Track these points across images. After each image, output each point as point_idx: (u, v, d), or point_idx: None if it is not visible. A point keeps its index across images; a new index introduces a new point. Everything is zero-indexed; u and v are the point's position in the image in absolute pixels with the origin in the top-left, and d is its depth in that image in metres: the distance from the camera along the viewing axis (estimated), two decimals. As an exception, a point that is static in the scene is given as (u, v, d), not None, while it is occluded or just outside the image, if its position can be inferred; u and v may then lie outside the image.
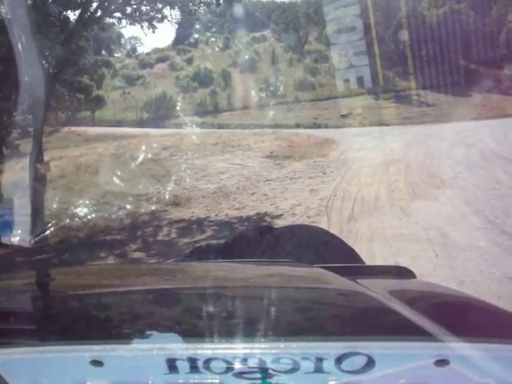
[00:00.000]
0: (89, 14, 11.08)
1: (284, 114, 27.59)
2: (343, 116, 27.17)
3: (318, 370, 0.90)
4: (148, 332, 1.15)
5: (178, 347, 1.01)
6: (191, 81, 36.27)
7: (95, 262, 7.72)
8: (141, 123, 29.74)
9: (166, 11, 12.84)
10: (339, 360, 0.90)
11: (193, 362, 0.92)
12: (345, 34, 12.01)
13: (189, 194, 12.20)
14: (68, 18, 11.76)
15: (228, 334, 1.10)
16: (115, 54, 46.17)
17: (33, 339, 1.08)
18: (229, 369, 0.90)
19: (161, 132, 23.51)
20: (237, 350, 0.99)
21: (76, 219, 9.83)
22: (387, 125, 23.68)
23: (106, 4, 11.37)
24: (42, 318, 1.26)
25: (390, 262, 6.03)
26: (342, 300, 1.43)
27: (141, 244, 8.86)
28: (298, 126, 26.14)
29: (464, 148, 15.49)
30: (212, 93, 33.82)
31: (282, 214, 9.61)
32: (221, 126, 27.29)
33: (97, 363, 0.92)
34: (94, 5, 11.21)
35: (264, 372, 0.88)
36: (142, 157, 15.71)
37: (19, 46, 8.07)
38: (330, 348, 0.98)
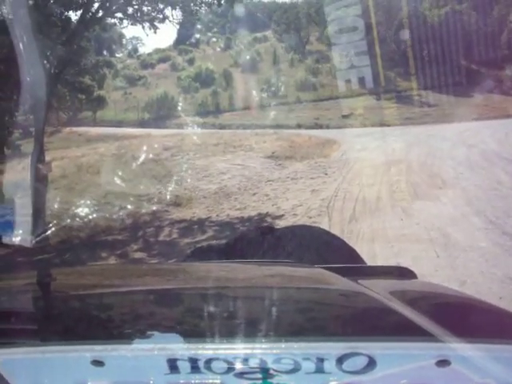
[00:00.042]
0: (90, 14, 11.09)
1: (285, 115, 27.59)
2: (344, 116, 27.18)
3: (319, 370, 0.90)
4: (149, 332, 1.15)
5: (179, 347, 1.01)
6: (192, 81, 36.29)
7: (96, 262, 7.72)
8: (142, 123, 29.76)
9: (168, 11, 12.85)
10: (340, 360, 0.90)
11: (194, 362, 0.92)
12: (346, 34, 12.01)
13: (190, 194, 12.20)
14: (69, 19, 11.78)
15: (229, 334, 1.10)
16: (117, 55, 46.21)
17: (34, 339, 1.08)
18: (230, 369, 0.90)
19: (162, 132, 23.51)
20: (238, 350, 0.99)
21: (77, 219, 9.83)
22: (389, 125, 23.70)
23: (108, 4, 11.38)
24: (44, 318, 1.26)
25: (392, 262, 6.03)
26: (343, 300, 1.43)
27: (142, 244, 8.86)
28: (299, 126, 26.15)
29: (465, 148, 15.49)
30: (213, 93, 33.84)
31: (283, 215, 9.61)
32: (222, 127, 27.30)
33: (98, 363, 0.92)
34: (96, 5, 11.24)
35: (265, 372, 0.88)
36: (143, 157, 15.71)
37: (21, 46, 8.08)
38: (331, 348, 0.98)
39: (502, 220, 7.75)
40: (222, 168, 14.86)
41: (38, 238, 7.83)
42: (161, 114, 31.25)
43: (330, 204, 9.98)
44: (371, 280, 1.57)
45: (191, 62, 41.07)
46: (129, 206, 10.83)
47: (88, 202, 10.77)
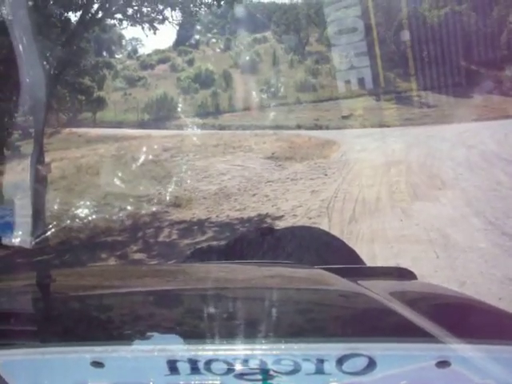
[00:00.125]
0: (90, 15, 11.09)
1: (285, 116, 27.60)
2: (344, 117, 27.20)
3: (319, 371, 0.90)
4: (149, 333, 1.15)
5: (179, 348, 1.01)
6: (192, 82, 36.29)
7: (96, 263, 7.72)
8: (142, 124, 29.78)
9: (167, 12, 12.85)
10: (340, 361, 0.90)
11: (194, 364, 0.92)
12: (346, 35, 12.02)
13: (190, 195, 12.20)
14: (69, 20, 11.77)
15: (229, 335, 1.10)
16: (116, 56, 46.24)
17: (34, 340, 1.08)
18: (230, 370, 0.90)
19: (162, 133, 23.52)
20: (238, 351, 0.99)
21: (77, 220, 9.82)
22: (388, 126, 23.73)
23: (107, 5, 11.38)
24: (43, 319, 1.26)
25: (391, 263, 6.02)
26: (342, 301, 1.43)
27: (142, 245, 8.86)
28: (299, 127, 26.17)
29: (465, 149, 15.50)
30: (213, 94, 33.85)
31: (283, 216, 9.61)
32: (222, 127, 27.31)
33: (98, 364, 0.92)
34: (95, 6, 11.23)
35: (265, 373, 0.88)
36: (142, 158, 15.71)
37: (20, 47, 8.08)
38: (331, 349, 0.98)
39: (502, 221, 7.75)
40: (222, 169, 14.86)
41: (37, 239, 7.83)
42: (160, 114, 31.26)
43: (329, 205, 9.98)
44: (371, 281, 1.57)
45: (191, 62, 41.08)
46: (128, 207, 10.83)
47: (88, 203, 10.76)
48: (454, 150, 15.44)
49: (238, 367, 0.91)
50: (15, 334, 1.11)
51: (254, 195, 11.80)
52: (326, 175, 13.36)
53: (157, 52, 45.19)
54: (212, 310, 1.32)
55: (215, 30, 48.20)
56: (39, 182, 9.19)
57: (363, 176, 12.63)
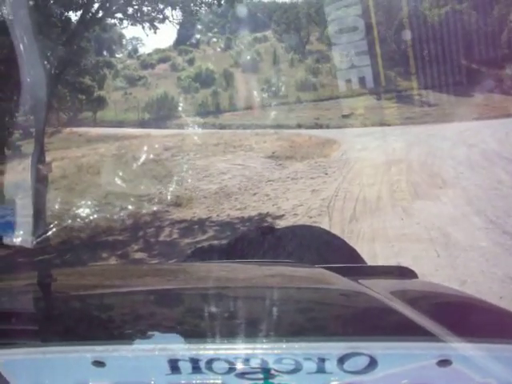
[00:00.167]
0: (90, 14, 11.09)
1: (285, 115, 27.59)
2: (345, 116, 27.18)
3: (321, 370, 0.90)
4: (150, 332, 1.15)
5: (180, 348, 1.01)
6: (193, 81, 36.29)
7: (97, 262, 7.72)
8: (142, 124, 29.78)
9: (168, 12, 12.85)
10: (341, 360, 0.90)
11: (195, 363, 0.92)
12: (346, 34, 12.01)
13: (190, 194, 12.20)
14: (69, 19, 11.78)
15: (230, 334, 1.10)
16: (117, 55, 46.24)
17: (35, 340, 1.08)
18: (231, 369, 0.90)
19: (162, 132, 23.52)
20: (239, 350, 0.99)
21: (78, 220, 9.83)
22: (389, 125, 23.70)
23: (108, 5, 11.37)
24: (44, 319, 1.26)
25: (392, 262, 6.03)
26: (343, 300, 1.43)
27: (142, 244, 8.86)
28: (299, 126, 26.15)
29: (466, 148, 15.49)
30: (213, 93, 33.86)
31: (283, 215, 9.61)
32: (222, 127, 27.30)
33: (99, 364, 0.92)
34: (96, 5, 11.23)
35: (266, 372, 0.88)
36: (143, 157, 15.71)
37: (21, 47, 8.08)
38: (332, 348, 0.98)
39: (503, 219, 7.75)
40: (223, 168, 14.86)
41: (38, 239, 7.84)
42: (161, 114, 31.27)
43: (330, 204, 9.98)
44: (372, 280, 1.57)
45: (191, 62, 41.09)
46: (129, 207, 10.83)
47: (88, 202, 10.77)
48: (454, 149, 15.43)
49: (240, 366, 0.91)
50: (16, 333, 1.11)
51: (255, 194, 11.80)
52: (326, 174, 13.36)
53: (157, 51, 45.19)
54: (213, 309, 1.32)
55: (215, 30, 48.18)
56: (40, 182, 9.19)
57: (364, 175, 12.63)
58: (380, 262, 6.06)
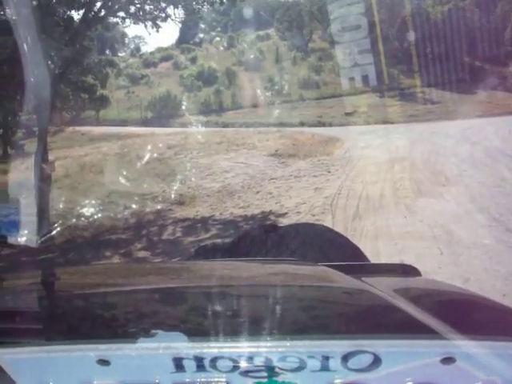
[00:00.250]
0: (93, 13, 11.09)
1: (288, 113, 27.56)
2: (348, 114, 27.15)
3: (325, 368, 0.91)
4: (154, 331, 1.15)
5: (185, 346, 1.02)
6: (195, 80, 36.27)
7: (101, 261, 7.72)
8: (145, 122, 29.78)
9: (170, 10, 12.86)
10: (345, 358, 0.90)
11: (199, 361, 0.92)
12: (349, 32, 11.97)
13: (193, 192, 12.20)
14: (72, 18, 11.80)
15: (234, 332, 1.10)
16: (119, 54, 46.19)
17: (39, 339, 1.08)
18: (235, 367, 0.90)
19: (165, 131, 23.50)
20: (243, 348, 0.99)
21: (81, 219, 9.84)
22: (392, 123, 23.67)
23: (110, 3, 11.38)
24: (48, 318, 1.26)
25: (395, 259, 6.02)
26: (347, 298, 1.43)
27: (146, 243, 8.87)
28: (302, 124, 26.12)
29: (469, 145, 15.47)
30: (216, 92, 33.84)
31: (286, 213, 9.61)
32: (225, 125, 27.29)
33: (103, 362, 0.92)
34: (98, 4, 11.23)
35: (270, 370, 0.88)
36: (146, 156, 15.72)
37: (24, 46, 8.08)
38: (336, 346, 0.98)
39: (506, 217, 7.74)
40: (226, 166, 14.86)
41: (43, 238, 7.85)
42: (164, 112, 31.26)
43: (333, 202, 9.97)
44: (375, 278, 1.57)
45: (194, 60, 41.04)
46: (132, 205, 10.84)
47: (92, 201, 10.78)
48: (458, 147, 15.41)
49: (244, 364, 0.91)
50: (21, 332, 1.11)
51: (258, 192, 11.80)
52: (329, 172, 13.35)
53: (160, 50, 45.16)
54: (217, 307, 1.32)
55: (218, 28, 48.13)
56: (43, 181, 9.20)
57: (367, 173, 12.61)
58: (383, 260, 6.05)
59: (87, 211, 10.27)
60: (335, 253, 2.12)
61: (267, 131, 21.65)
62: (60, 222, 9.24)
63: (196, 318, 1.26)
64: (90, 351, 0.97)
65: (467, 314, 1.27)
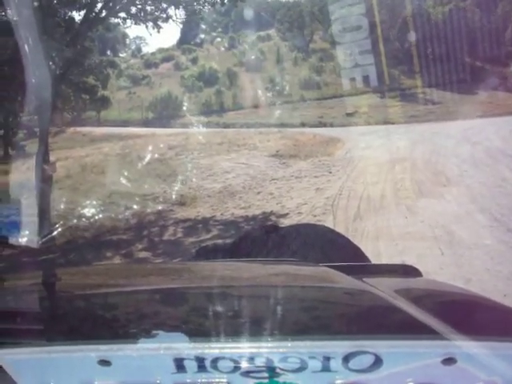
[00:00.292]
0: (94, 14, 11.10)
1: (289, 113, 27.56)
2: (349, 115, 27.15)
3: (326, 368, 0.91)
4: (155, 332, 1.15)
5: (186, 347, 1.02)
6: (196, 80, 36.30)
7: (102, 261, 7.73)
8: (146, 123, 29.80)
9: (171, 11, 12.86)
10: (346, 359, 0.90)
11: (200, 362, 0.92)
12: (350, 32, 11.96)
13: (194, 193, 12.20)
14: (73, 19, 11.80)
15: (235, 333, 1.10)
16: (120, 54, 46.28)
17: (40, 339, 1.08)
18: (236, 368, 0.90)
19: (166, 132, 23.52)
20: (244, 349, 0.99)
21: (82, 219, 9.84)
22: (393, 123, 23.67)
23: (111, 4, 11.39)
24: (49, 318, 1.26)
25: (396, 260, 6.03)
26: (348, 299, 1.43)
27: (147, 244, 8.87)
28: (303, 124, 26.13)
29: (470, 146, 15.47)
30: (217, 92, 33.86)
31: (287, 213, 9.61)
32: (226, 126, 27.30)
33: (104, 363, 0.92)
34: (99, 5, 11.24)
35: (271, 371, 0.88)
36: (147, 156, 15.72)
37: (25, 47, 8.08)
38: (337, 347, 0.98)
39: (507, 217, 7.74)
40: (227, 167, 14.86)
41: (44, 239, 7.85)
42: (165, 113, 31.27)
43: (334, 202, 9.97)
44: (376, 278, 1.57)
45: (195, 61, 41.06)
46: (134, 206, 10.84)
47: (93, 201, 10.79)
48: (458, 147, 15.40)
49: (245, 365, 0.91)
50: (21, 332, 1.11)
51: (259, 193, 11.80)
52: (330, 173, 13.35)
53: (161, 50, 45.18)
54: (218, 308, 1.32)
55: (219, 29, 48.16)
56: (44, 182, 9.20)
57: (368, 173, 12.61)
58: (384, 261, 6.06)
59: (88, 212, 10.27)
60: (336, 253, 2.12)
61: (268, 132, 21.64)
62: (61, 222, 9.24)
63: (197, 319, 1.26)
64: (91, 352, 0.97)
65: (468, 315, 1.27)
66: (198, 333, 1.13)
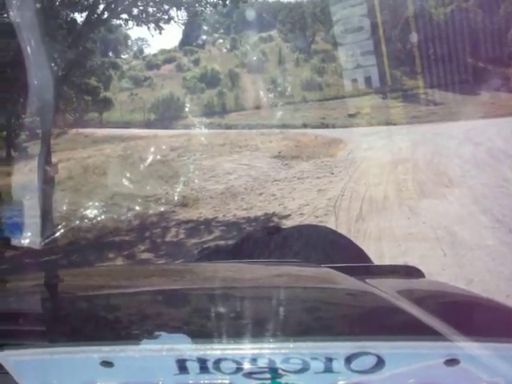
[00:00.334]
0: (96, 15, 11.11)
1: (291, 114, 27.58)
2: (351, 116, 27.15)
3: (328, 369, 0.90)
4: (157, 333, 1.15)
5: (188, 348, 1.01)
6: (198, 82, 36.29)
7: (104, 263, 7.74)
8: (148, 124, 29.82)
9: (173, 12, 12.85)
10: (349, 360, 0.90)
11: (202, 363, 0.92)
12: (352, 33, 11.97)
13: (197, 194, 12.21)
14: (75, 21, 11.80)
15: (237, 334, 1.10)
16: (122, 56, 46.21)
17: (42, 340, 1.08)
18: (238, 369, 0.90)
19: (168, 133, 23.54)
20: (246, 350, 0.99)
21: (85, 220, 9.86)
22: (395, 124, 23.67)
23: (113, 6, 11.40)
24: (52, 319, 1.26)
25: (399, 261, 6.03)
26: (350, 300, 1.43)
27: (149, 245, 8.87)
28: (305, 125, 26.13)
29: (472, 146, 15.46)
30: (219, 93, 33.87)
31: (289, 214, 9.61)
32: (228, 127, 27.30)
33: (107, 364, 0.92)
34: (101, 7, 11.26)
35: (274, 372, 0.88)
36: (149, 158, 15.74)
37: (27, 48, 8.10)
38: (340, 348, 0.98)
39: (509, 218, 7.72)
40: (229, 168, 14.87)
41: (46, 240, 7.86)
42: (167, 114, 31.29)
43: (336, 203, 9.97)
44: (379, 279, 1.56)
45: (197, 62, 41.05)
46: (136, 207, 10.85)
47: (95, 203, 10.80)
48: (461, 148, 15.39)
49: (247, 366, 0.91)
50: (24, 334, 1.11)
51: (261, 194, 11.80)
52: (332, 174, 13.35)
53: (163, 52, 45.17)
54: (220, 309, 1.32)
55: (221, 30, 48.18)
56: (47, 183, 9.22)
57: (370, 174, 12.61)
58: (387, 262, 6.06)
59: (90, 213, 10.29)
60: (338, 254, 2.12)
61: (270, 133, 21.64)
62: (63, 223, 9.26)
63: (199, 320, 1.26)
64: (94, 353, 0.97)
65: (471, 316, 1.27)
66: (201, 334, 1.13)
